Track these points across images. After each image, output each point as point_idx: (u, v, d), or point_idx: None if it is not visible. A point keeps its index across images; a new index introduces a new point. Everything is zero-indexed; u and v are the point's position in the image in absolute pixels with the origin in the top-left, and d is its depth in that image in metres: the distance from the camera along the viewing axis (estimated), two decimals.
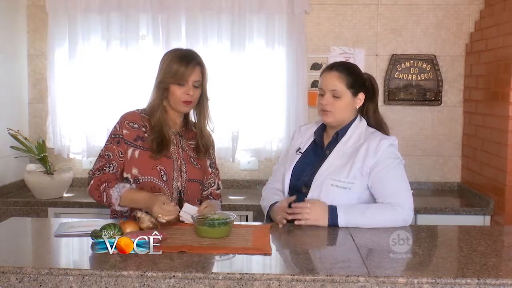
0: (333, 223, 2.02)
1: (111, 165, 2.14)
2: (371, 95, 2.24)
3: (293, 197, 2.13)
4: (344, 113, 2.17)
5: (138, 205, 2.05)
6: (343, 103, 2.15)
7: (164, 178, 2.16)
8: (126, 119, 2.21)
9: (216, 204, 2.29)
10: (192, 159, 2.26)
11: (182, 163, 2.21)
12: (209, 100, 2.28)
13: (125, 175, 2.16)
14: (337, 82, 2.14)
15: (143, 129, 2.19)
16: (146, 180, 2.14)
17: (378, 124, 2.24)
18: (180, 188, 2.19)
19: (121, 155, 2.16)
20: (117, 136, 2.17)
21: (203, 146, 2.28)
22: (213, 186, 2.37)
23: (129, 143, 2.16)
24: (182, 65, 2.13)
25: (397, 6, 3.56)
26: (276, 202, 2.19)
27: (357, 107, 2.20)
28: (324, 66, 3.53)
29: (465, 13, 3.54)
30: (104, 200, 2.09)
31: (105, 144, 2.20)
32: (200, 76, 2.18)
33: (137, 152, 2.16)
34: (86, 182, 3.59)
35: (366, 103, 2.24)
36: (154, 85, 2.21)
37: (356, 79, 2.18)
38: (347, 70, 2.18)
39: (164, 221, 1.94)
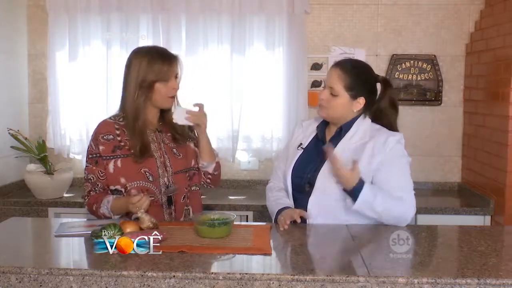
0: (356, 190, 1.97)
1: (97, 187, 2.18)
2: (393, 110, 2.21)
3: (305, 213, 2.08)
4: (338, 112, 2.14)
5: (123, 210, 2.12)
6: (338, 103, 2.12)
7: (150, 179, 2.15)
8: (100, 133, 2.18)
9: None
10: (174, 150, 2.25)
11: (165, 158, 2.20)
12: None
13: (112, 187, 2.17)
14: (336, 81, 2.11)
15: (118, 138, 2.17)
16: (133, 185, 2.15)
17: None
18: (167, 183, 2.18)
19: (101, 174, 2.17)
20: (94, 155, 2.17)
21: (178, 134, 2.27)
22: None
23: (108, 157, 2.15)
24: (165, 63, 2.16)
25: (397, 6, 3.56)
26: (285, 208, 2.13)
27: (355, 111, 2.14)
28: (324, 65, 3.56)
29: (465, 13, 3.54)
30: (103, 217, 2.16)
31: (86, 166, 2.21)
32: (179, 68, 2.24)
33: (119, 162, 2.15)
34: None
35: (386, 112, 2.19)
36: (130, 87, 2.15)
37: (359, 82, 2.12)
38: (352, 71, 2.12)
39: (141, 214, 1.88)
